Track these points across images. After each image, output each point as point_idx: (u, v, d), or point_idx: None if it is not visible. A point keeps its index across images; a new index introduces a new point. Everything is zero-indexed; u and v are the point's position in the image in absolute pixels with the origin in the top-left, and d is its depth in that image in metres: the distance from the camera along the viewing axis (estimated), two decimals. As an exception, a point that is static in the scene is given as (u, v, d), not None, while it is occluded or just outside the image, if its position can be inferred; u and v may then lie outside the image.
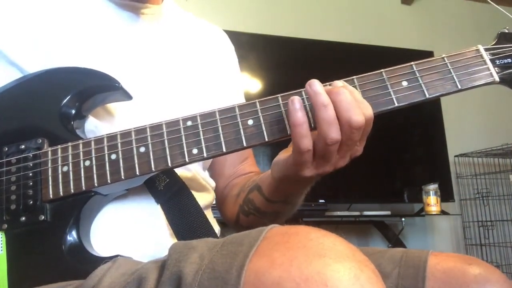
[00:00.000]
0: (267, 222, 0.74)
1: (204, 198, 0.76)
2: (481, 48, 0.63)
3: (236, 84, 0.91)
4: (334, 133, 0.56)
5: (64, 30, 0.69)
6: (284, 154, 0.64)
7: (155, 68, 0.74)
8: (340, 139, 0.56)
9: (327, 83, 0.60)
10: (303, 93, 0.60)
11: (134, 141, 0.60)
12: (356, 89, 0.60)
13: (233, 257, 0.42)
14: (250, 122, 0.59)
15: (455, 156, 2.92)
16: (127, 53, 0.72)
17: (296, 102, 0.57)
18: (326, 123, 0.56)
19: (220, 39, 0.92)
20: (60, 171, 0.60)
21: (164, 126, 0.60)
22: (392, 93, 0.60)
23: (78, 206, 0.60)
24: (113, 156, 0.59)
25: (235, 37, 0.98)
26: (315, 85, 0.57)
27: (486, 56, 0.62)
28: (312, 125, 0.58)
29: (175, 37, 0.81)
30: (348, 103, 0.56)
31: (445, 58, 0.62)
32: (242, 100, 0.91)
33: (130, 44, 0.73)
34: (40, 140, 0.61)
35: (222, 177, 0.89)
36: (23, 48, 0.66)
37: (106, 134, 0.61)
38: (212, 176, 0.89)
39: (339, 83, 0.60)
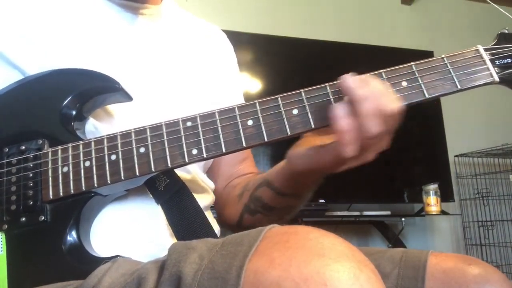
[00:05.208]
0: (274, 219, 0.74)
1: (204, 199, 0.76)
2: (480, 48, 0.63)
3: (235, 84, 0.91)
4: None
5: (64, 31, 0.69)
6: (310, 148, 0.62)
7: (154, 69, 0.74)
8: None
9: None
10: (302, 93, 0.60)
11: (134, 141, 0.60)
12: None
13: (233, 257, 0.42)
14: (250, 122, 0.59)
15: (455, 156, 2.91)
16: (127, 54, 0.72)
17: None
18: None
19: (219, 39, 0.92)
20: (60, 172, 0.60)
21: (164, 126, 0.60)
22: (391, 93, 0.60)
23: (78, 207, 0.60)
24: (113, 157, 0.59)
25: (235, 37, 0.98)
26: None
27: (486, 56, 0.62)
28: (313, 126, 0.58)
29: (174, 38, 0.81)
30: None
31: (445, 58, 0.62)
32: (241, 100, 0.91)
33: (129, 45, 0.73)
34: (41, 141, 0.62)
35: (220, 178, 0.87)
36: (23, 49, 0.66)
37: (106, 135, 0.61)
38: (210, 176, 0.89)
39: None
